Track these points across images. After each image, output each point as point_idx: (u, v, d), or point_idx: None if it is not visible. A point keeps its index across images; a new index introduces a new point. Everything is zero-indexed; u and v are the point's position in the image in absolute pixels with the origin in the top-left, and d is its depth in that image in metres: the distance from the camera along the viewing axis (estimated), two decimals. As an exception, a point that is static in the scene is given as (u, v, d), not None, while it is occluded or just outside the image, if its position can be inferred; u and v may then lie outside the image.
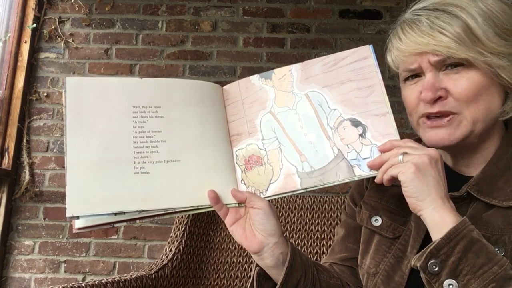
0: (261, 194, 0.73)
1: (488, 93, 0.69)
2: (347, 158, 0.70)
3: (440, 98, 0.69)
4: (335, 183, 0.70)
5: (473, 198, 0.71)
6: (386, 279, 0.76)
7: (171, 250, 1.41)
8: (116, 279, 1.13)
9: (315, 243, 1.47)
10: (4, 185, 2.17)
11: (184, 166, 0.70)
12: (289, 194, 0.73)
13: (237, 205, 0.73)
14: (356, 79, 0.72)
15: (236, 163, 0.76)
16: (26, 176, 2.20)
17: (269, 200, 0.73)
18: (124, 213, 0.65)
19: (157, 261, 1.38)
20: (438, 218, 0.62)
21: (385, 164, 0.67)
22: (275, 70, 0.78)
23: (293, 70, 0.76)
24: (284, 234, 0.75)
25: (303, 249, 1.46)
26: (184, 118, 0.72)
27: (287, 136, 0.74)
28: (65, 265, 2.16)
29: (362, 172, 0.69)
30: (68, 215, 0.62)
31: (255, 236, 0.71)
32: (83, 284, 1.04)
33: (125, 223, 0.68)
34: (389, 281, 0.75)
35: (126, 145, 0.68)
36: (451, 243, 0.60)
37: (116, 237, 2.18)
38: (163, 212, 0.68)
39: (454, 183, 0.73)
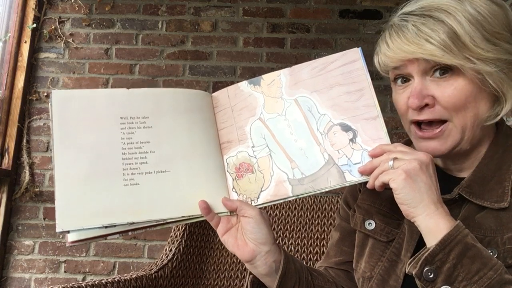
0: (253, 202, 0.73)
1: (476, 100, 0.68)
2: (338, 164, 0.70)
3: (427, 105, 0.69)
4: (327, 189, 0.70)
5: (465, 200, 0.71)
6: (381, 283, 0.75)
7: (171, 250, 1.41)
8: (116, 279, 1.13)
9: (315, 243, 1.47)
10: (4, 185, 2.17)
11: (174, 176, 0.70)
12: (281, 201, 0.72)
13: (228, 213, 0.73)
14: (345, 83, 0.71)
15: (227, 171, 0.75)
16: (26, 176, 2.20)
17: (261, 208, 0.72)
18: (114, 225, 0.65)
19: (157, 261, 1.38)
20: (432, 225, 0.61)
21: (376, 170, 0.66)
22: (264, 76, 0.77)
23: (281, 76, 0.76)
24: (277, 241, 0.75)
25: (303, 250, 1.46)
26: (172, 128, 0.72)
27: (277, 142, 0.74)
28: (65, 265, 2.16)
29: (353, 177, 0.69)
30: (58, 229, 0.62)
31: (247, 245, 0.71)
32: (83, 284, 1.04)
33: (117, 236, 0.67)
34: (384, 285, 0.75)
35: (114, 157, 0.67)
36: (446, 250, 0.59)
37: (116, 237, 2.18)
38: (155, 224, 0.68)
39: (446, 185, 0.72)
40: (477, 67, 0.65)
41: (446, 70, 0.68)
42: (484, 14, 0.66)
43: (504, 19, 0.68)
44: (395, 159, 0.64)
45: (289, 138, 0.73)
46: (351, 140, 0.70)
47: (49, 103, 0.68)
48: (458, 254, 0.59)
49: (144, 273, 1.27)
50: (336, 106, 0.71)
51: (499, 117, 0.70)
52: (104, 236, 0.67)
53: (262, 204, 0.72)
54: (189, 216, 0.70)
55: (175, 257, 1.39)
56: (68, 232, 0.63)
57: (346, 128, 0.70)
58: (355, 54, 0.72)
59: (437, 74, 0.68)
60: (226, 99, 0.78)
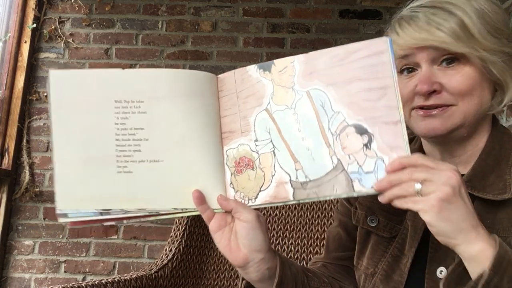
0: (250, 201, 0.67)
1: (480, 88, 0.71)
2: (347, 170, 0.62)
3: (434, 91, 0.70)
4: (331, 198, 0.64)
5: None
6: (385, 278, 0.76)
7: (171, 250, 1.41)
8: (116, 279, 1.13)
9: (315, 243, 1.47)
10: (4, 185, 2.17)
11: (167, 167, 0.66)
12: (280, 204, 0.67)
13: (223, 210, 0.68)
14: (367, 78, 0.62)
15: (226, 164, 0.69)
16: (26, 176, 2.20)
17: (258, 209, 0.68)
18: (109, 212, 0.64)
19: (157, 261, 1.38)
20: (476, 251, 0.57)
21: (397, 190, 0.58)
22: (276, 61, 0.68)
23: (295, 62, 0.66)
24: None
25: (303, 250, 1.46)
26: (169, 114, 0.67)
27: (282, 139, 0.67)
28: (65, 265, 2.16)
29: (362, 188, 0.61)
30: (57, 211, 0.63)
31: (240, 249, 0.67)
32: (83, 284, 1.04)
33: (113, 223, 0.67)
34: (388, 280, 0.75)
35: (108, 143, 0.65)
36: (499, 273, 0.55)
37: (116, 237, 2.18)
38: (147, 214, 0.66)
39: None
40: (484, 56, 0.68)
41: (452, 59, 0.70)
42: (488, 11, 0.70)
43: (504, 18, 0.73)
44: (423, 181, 0.57)
45: (296, 135, 0.66)
46: (365, 145, 0.61)
47: (47, 84, 0.66)
48: (511, 275, 0.56)
49: (144, 273, 1.27)
50: (353, 104, 0.62)
51: (501, 106, 0.73)
52: (101, 222, 0.66)
53: (260, 205, 0.67)
54: (182, 209, 0.67)
55: (175, 257, 1.39)
56: (66, 215, 0.63)
57: (361, 130, 0.62)
58: (384, 44, 0.61)
59: (444, 63, 0.71)
60: (232, 84, 0.71)
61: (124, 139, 0.65)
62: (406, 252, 0.74)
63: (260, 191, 0.67)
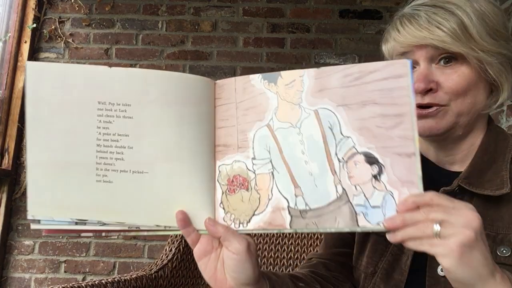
0: (241, 225, 0.61)
1: (475, 88, 0.72)
2: (352, 202, 0.56)
3: (431, 90, 0.71)
4: (332, 231, 0.57)
5: (465, 192, 0.72)
6: (386, 277, 0.76)
7: (171, 250, 1.41)
8: (116, 279, 1.13)
9: (315, 244, 1.47)
10: (4, 185, 2.17)
11: (152, 180, 0.60)
12: (274, 232, 0.62)
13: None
14: (383, 103, 0.56)
15: (218, 180, 0.63)
16: (26, 176, 2.20)
17: (249, 235, 0.62)
18: (85, 223, 0.59)
19: (157, 261, 1.38)
20: None
21: (412, 230, 0.53)
22: (283, 73, 0.62)
23: (304, 77, 0.60)
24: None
25: (303, 250, 1.46)
26: (158, 121, 0.61)
27: (283, 160, 0.61)
28: (65, 265, 2.16)
29: (368, 223, 0.55)
30: (29, 217, 0.58)
31: (226, 280, 0.62)
32: (83, 284, 1.04)
33: (90, 234, 0.62)
34: (389, 279, 0.76)
35: (89, 148, 0.59)
36: None
37: (116, 237, 2.18)
38: (127, 228, 0.61)
39: (441, 178, 0.74)
40: (481, 57, 0.70)
41: (450, 59, 0.71)
42: (487, 12, 0.71)
43: (503, 20, 0.74)
44: (441, 222, 0.52)
45: (299, 157, 0.60)
46: (374, 176, 0.56)
47: (24, 77, 0.62)
48: None
49: (144, 273, 1.27)
50: (365, 129, 0.57)
51: (495, 106, 0.74)
52: (76, 232, 0.62)
53: (252, 230, 0.61)
54: (165, 227, 0.61)
55: (175, 257, 1.39)
56: (39, 222, 0.59)
57: (371, 159, 0.56)
58: (404, 67, 0.56)
59: (442, 62, 0.72)
60: (232, 92, 0.64)
61: (106, 145, 0.60)
62: (406, 250, 0.75)
63: (253, 215, 0.61)
